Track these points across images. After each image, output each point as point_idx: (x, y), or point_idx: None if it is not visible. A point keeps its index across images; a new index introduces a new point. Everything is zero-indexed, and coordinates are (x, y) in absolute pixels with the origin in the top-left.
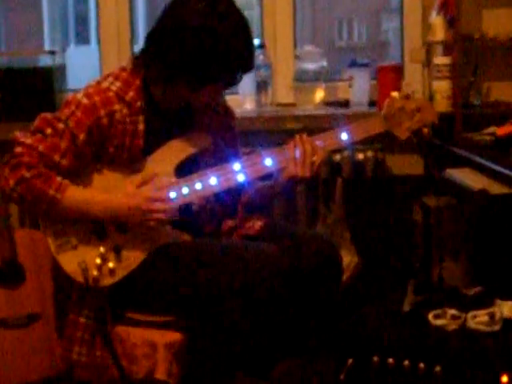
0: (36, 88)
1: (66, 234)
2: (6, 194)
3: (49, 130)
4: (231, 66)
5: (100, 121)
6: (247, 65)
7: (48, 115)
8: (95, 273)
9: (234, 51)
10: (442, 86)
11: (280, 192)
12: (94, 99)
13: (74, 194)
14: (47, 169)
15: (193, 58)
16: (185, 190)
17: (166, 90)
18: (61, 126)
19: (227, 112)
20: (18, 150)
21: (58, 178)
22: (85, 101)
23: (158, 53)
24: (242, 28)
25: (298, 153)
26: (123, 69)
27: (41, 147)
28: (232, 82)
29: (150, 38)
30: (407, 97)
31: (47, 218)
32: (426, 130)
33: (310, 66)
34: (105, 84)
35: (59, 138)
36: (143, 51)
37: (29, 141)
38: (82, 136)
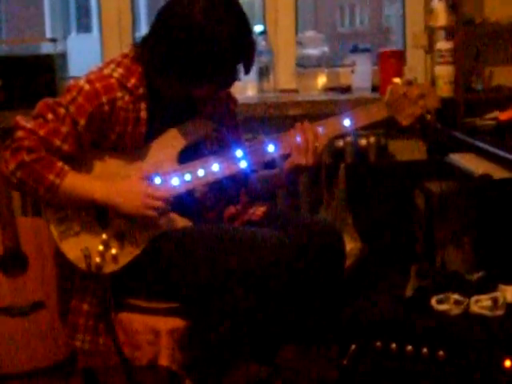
0: (37, 76)
1: (69, 220)
2: (5, 178)
3: (50, 115)
4: (226, 71)
5: (102, 107)
6: (245, 69)
7: (49, 100)
8: (98, 259)
9: (229, 56)
10: (444, 71)
11: (284, 181)
12: (96, 86)
13: (74, 180)
14: (48, 153)
15: (184, 59)
16: (187, 177)
17: (163, 82)
18: (62, 110)
19: (229, 98)
20: (19, 134)
21: (59, 164)
22: (87, 87)
23: (155, 48)
24: (239, 32)
25: (299, 139)
26: (125, 55)
27: (42, 132)
28: (227, 84)
29: (150, 30)
30: (410, 83)
31: (48, 205)
32: (429, 116)
33: (312, 51)
34: (107, 70)
35: (60, 122)
36: (144, 41)
37: (29, 125)
38: (82, 122)
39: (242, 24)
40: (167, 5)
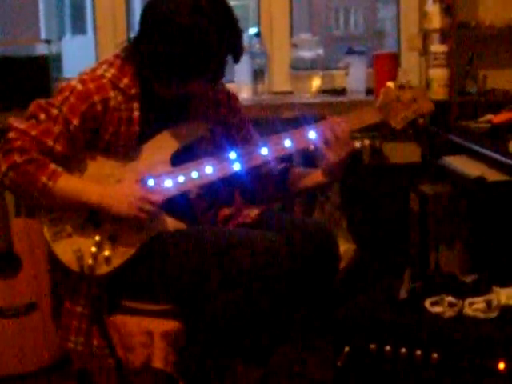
0: (32, 77)
1: (62, 221)
2: None
3: (42, 116)
4: (214, 64)
5: (94, 107)
6: (234, 58)
7: (42, 101)
8: (90, 261)
9: (216, 49)
10: (439, 74)
11: (324, 178)
12: (89, 86)
13: (67, 183)
14: (41, 155)
15: (172, 56)
16: (181, 179)
17: (156, 81)
18: (54, 111)
19: (230, 96)
20: (11, 135)
21: (52, 166)
22: (79, 87)
23: (144, 47)
24: (223, 24)
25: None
26: (118, 56)
27: (34, 132)
28: (218, 76)
29: (138, 30)
30: (402, 87)
31: (40, 207)
32: (421, 121)
33: (307, 54)
34: (99, 71)
35: (52, 123)
36: (134, 40)
37: (22, 126)
38: (75, 122)
39: (226, 15)
40: (151, 2)
